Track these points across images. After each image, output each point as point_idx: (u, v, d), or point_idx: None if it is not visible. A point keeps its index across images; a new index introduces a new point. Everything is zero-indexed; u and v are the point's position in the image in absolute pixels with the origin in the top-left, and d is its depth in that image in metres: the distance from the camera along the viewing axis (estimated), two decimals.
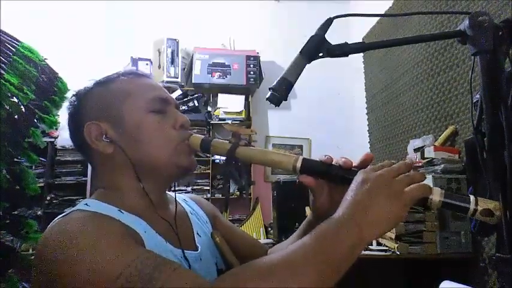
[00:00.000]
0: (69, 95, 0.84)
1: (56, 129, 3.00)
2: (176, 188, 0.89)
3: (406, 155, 2.63)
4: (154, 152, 0.74)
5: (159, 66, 3.76)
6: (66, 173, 3.55)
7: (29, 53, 1.84)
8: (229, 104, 3.89)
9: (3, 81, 1.68)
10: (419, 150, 2.40)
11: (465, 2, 2.20)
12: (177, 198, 0.85)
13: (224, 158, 0.73)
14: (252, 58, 3.85)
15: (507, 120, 0.62)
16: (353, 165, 0.67)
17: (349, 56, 0.73)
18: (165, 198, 0.82)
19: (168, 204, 0.82)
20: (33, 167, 2.62)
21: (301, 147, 4.14)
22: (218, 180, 3.83)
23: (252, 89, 3.92)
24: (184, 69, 3.88)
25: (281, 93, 0.71)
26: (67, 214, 0.66)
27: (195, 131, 3.50)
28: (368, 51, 1.03)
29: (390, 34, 3.17)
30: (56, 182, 3.51)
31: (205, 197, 3.59)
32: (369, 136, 3.75)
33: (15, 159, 1.83)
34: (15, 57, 1.77)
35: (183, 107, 3.75)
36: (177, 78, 3.77)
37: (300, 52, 0.73)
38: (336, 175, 0.67)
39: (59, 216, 0.67)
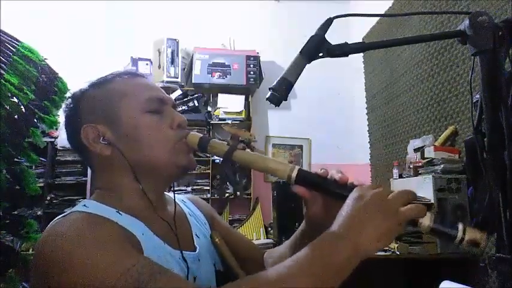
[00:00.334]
0: (69, 95, 0.83)
1: (56, 129, 2.98)
2: (176, 188, 0.88)
3: (406, 155, 2.63)
4: (152, 153, 0.74)
5: (159, 66, 3.75)
6: (66, 173, 3.54)
7: (29, 53, 1.83)
8: (229, 104, 3.88)
9: (3, 81, 1.68)
10: (419, 150, 2.41)
11: (465, 2, 2.20)
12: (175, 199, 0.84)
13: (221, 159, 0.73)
14: (252, 58, 3.84)
15: (507, 120, 0.62)
16: (348, 181, 0.67)
17: (349, 56, 0.73)
18: (164, 199, 0.82)
19: (166, 205, 0.81)
20: (33, 167, 2.61)
21: (301, 147, 4.13)
22: (218, 180, 3.82)
23: (252, 89, 3.92)
24: (184, 69, 3.88)
25: (281, 93, 0.71)
26: (66, 215, 0.66)
27: (195, 131, 3.46)
28: (368, 51, 1.03)
29: (390, 34, 3.17)
30: (56, 182, 3.50)
31: (205, 197, 3.59)
32: (368, 136, 3.75)
33: (15, 159, 1.83)
34: (15, 57, 1.77)
35: (183, 107, 3.75)
36: (177, 78, 3.77)
37: (300, 52, 0.73)
38: (330, 190, 0.67)
39: (58, 217, 0.67)
